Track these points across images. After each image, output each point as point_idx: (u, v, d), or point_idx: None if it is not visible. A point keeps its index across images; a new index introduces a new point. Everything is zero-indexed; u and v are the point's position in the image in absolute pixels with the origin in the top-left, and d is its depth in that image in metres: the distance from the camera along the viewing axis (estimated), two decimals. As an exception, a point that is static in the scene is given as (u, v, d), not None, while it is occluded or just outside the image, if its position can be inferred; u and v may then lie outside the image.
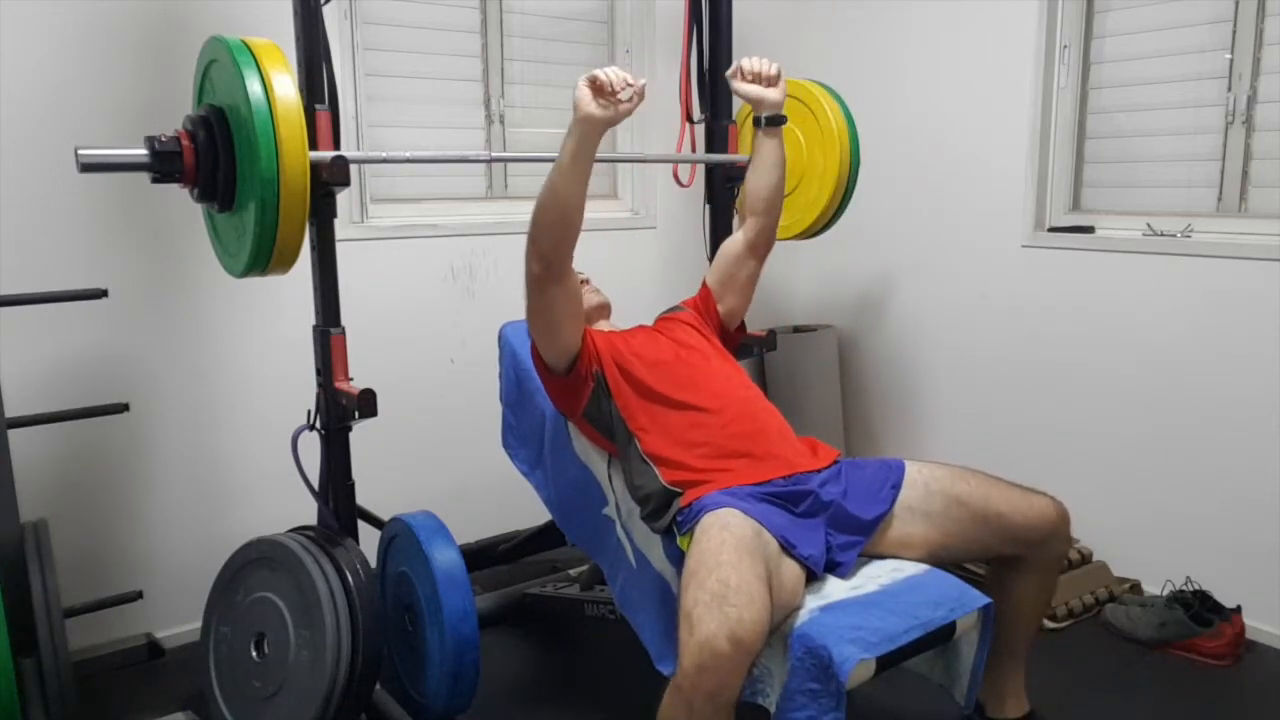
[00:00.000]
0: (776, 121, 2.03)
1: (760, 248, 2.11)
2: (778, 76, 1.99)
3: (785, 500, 1.72)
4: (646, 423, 1.86)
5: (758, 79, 1.99)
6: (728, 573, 1.44)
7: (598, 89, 1.66)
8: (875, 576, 1.71)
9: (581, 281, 2.21)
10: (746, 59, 2.00)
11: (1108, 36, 2.74)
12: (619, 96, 1.66)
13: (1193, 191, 2.60)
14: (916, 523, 1.80)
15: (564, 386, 1.91)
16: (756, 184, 2.07)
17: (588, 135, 1.68)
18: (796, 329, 3.38)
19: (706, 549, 1.51)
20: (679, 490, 1.77)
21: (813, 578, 1.65)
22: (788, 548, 1.61)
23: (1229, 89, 2.49)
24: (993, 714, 1.90)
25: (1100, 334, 2.70)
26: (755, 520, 1.59)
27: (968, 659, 1.69)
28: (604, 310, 2.21)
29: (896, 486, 1.80)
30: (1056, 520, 1.80)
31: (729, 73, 2.04)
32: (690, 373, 1.93)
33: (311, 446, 2.00)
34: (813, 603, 1.60)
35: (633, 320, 2.21)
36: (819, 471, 1.82)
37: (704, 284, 2.17)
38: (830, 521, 1.74)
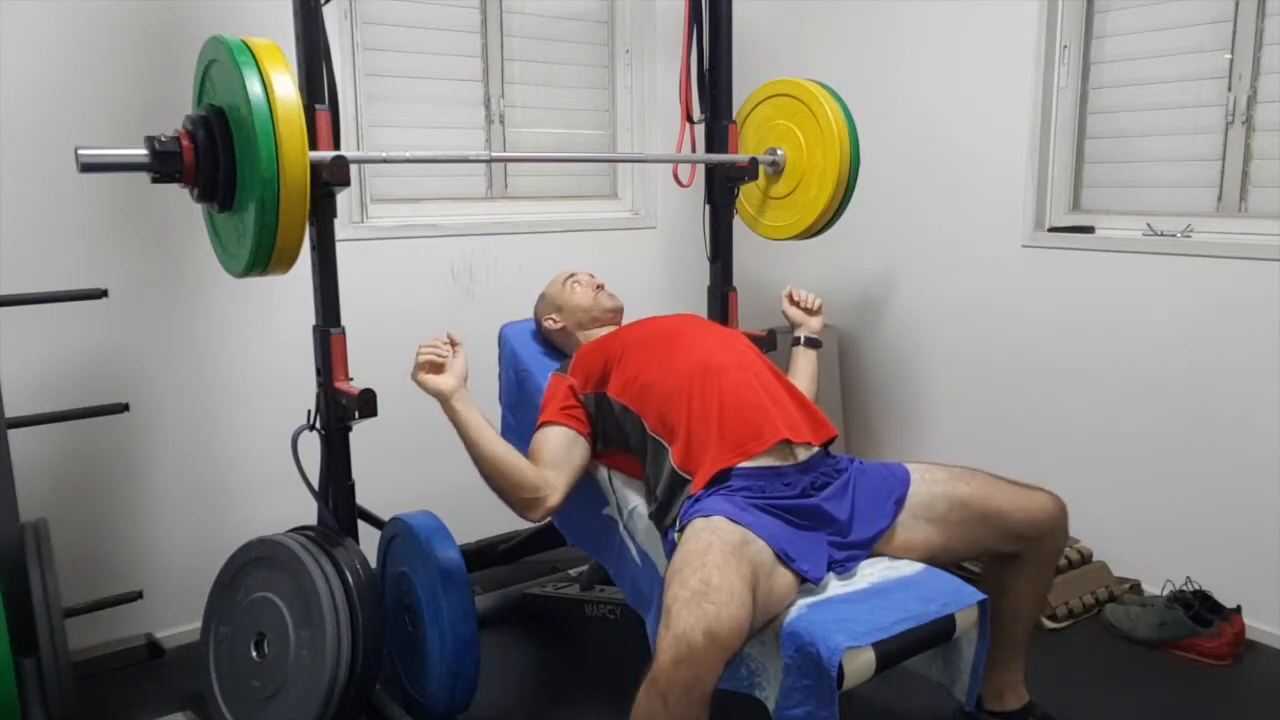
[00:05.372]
0: (814, 344, 2.26)
1: None
2: (819, 309, 2.29)
3: (789, 512, 1.73)
4: (648, 401, 1.88)
5: (802, 307, 2.28)
6: (710, 572, 1.47)
7: (433, 367, 1.82)
8: (868, 575, 1.72)
9: (597, 287, 2.23)
10: (797, 289, 2.30)
11: (1108, 36, 2.74)
12: (444, 358, 1.83)
13: (1193, 191, 2.60)
14: (919, 528, 1.81)
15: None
16: None
17: (462, 397, 1.82)
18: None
19: (693, 550, 1.53)
20: (688, 477, 1.77)
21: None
22: (786, 560, 1.61)
23: (1229, 89, 2.49)
24: (991, 707, 1.92)
25: (1100, 334, 2.70)
26: (745, 529, 1.60)
27: (968, 656, 1.69)
28: (617, 315, 2.24)
29: (900, 501, 1.81)
30: (1056, 515, 1.83)
31: (783, 294, 2.30)
32: (683, 338, 1.99)
33: (311, 446, 2.00)
34: (803, 600, 1.61)
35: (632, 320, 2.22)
36: (814, 454, 1.84)
37: None
38: (833, 536, 1.75)
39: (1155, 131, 2.66)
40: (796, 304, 2.30)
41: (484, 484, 1.84)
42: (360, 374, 1.96)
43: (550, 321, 2.25)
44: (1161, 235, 2.61)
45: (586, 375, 2.00)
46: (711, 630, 1.39)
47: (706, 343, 1.97)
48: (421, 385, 1.81)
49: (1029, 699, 1.94)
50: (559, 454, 1.90)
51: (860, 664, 1.49)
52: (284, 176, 1.58)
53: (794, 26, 3.35)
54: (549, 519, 2.29)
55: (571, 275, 2.27)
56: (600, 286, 2.26)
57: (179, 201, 1.86)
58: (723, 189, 2.50)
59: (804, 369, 2.24)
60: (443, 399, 1.81)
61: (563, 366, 2.11)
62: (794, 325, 2.30)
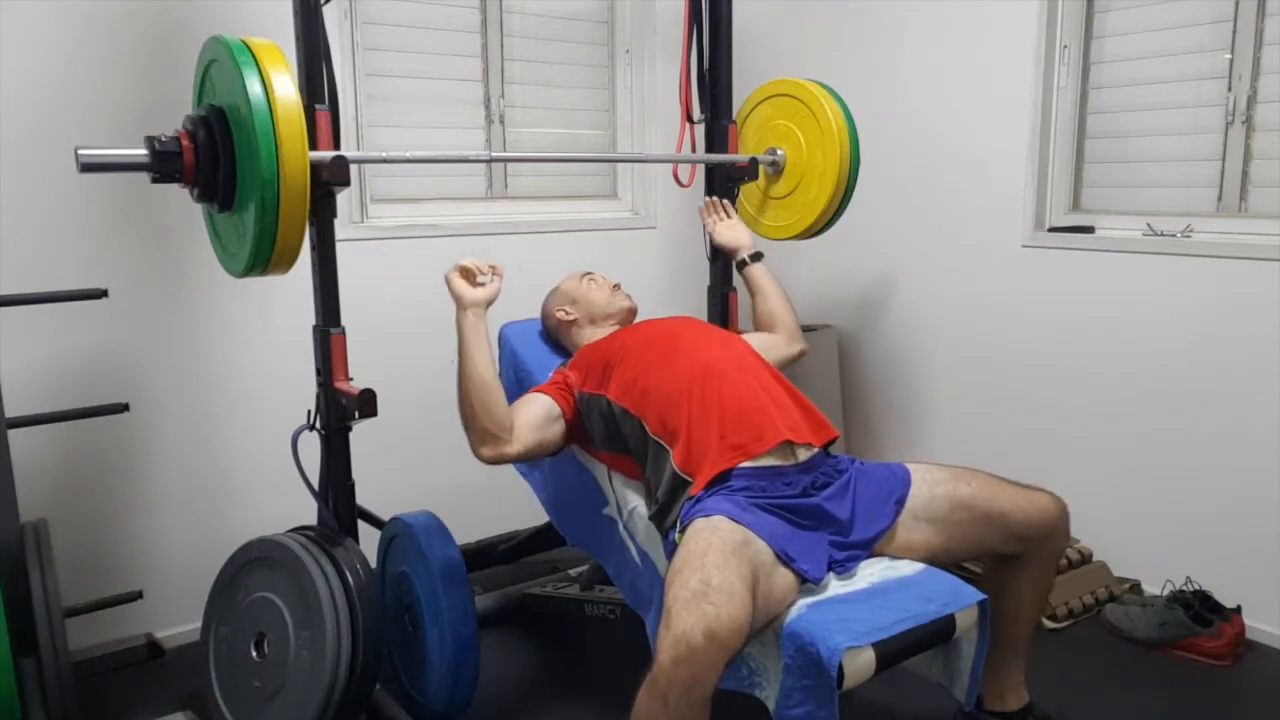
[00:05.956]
0: (758, 256, 2.34)
1: (796, 343, 2.30)
2: (730, 209, 2.40)
3: (790, 512, 1.72)
4: (648, 404, 1.88)
5: (714, 210, 2.39)
6: (710, 573, 1.47)
7: (468, 275, 1.86)
8: (868, 575, 1.72)
9: (613, 286, 2.24)
10: (706, 200, 2.41)
11: (1108, 36, 2.74)
12: (484, 274, 1.88)
13: (1193, 191, 2.60)
14: (920, 529, 1.81)
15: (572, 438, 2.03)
16: (767, 308, 2.29)
17: (479, 315, 1.86)
18: (796, 329, 3.37)
19: (693, 550, 1.54)
20: (689, 478, 1.77)
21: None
22: (786, 560, 1.61)
23: (1229, 89, 2.49)
24: (991, 707, 1.92)
25: (1100, 334, 2.70)
26: (746, 529, 1.60)
27: (967, 657, 1.69)
28: (630, 315, 2.25)
29: (901, 501, 1.81)
30: (1057, 515, 1.83)
31: (700, 209, 2.41)
32: (683, 340, 1.99)
33: (311, 446, 2.00)
34: (803, 600, 1.61)
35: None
36: (815, 455, 1.84)
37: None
38: (834, 536, 1.75)
39: (1155, 131, 2.66)
40: (715, 213, 2.39)
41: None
42: (360, 374, 1.95)
43: (562, 313, 2.24)
44: (1161, 235, 2.61)
45: (586, 372, 2.00)
46: (711, 630, 1.39)
47: (706, 345, 1.97)
48: (449, 284, 1.86)
49: (1029, 699, 1.94)
50: (535, 419, 1.92)
51: (860, 664, 1.49)
52: (284, 176, 1.58)
53: (794, 26, 3.35)
54: (549, 521, 2.31)
55: (588, 274, 2.28)
56: (616, 286, 2.27)
57: (179, 201, 1.86)
58: (723, 189, 2.50)
59: (767, 284, 2.30)
60: (462, 306, 1.84)
61: (564, 364, 2.12)
62: (731, 252, 2.36)
